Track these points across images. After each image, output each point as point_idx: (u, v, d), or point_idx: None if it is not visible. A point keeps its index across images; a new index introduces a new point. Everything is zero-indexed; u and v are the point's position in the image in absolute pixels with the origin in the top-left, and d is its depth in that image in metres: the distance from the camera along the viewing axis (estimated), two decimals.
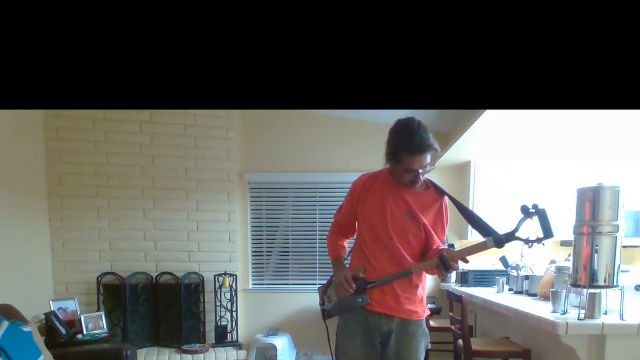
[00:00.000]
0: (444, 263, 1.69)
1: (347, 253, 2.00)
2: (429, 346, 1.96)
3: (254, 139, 4.44)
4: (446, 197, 1.86)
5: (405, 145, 1.69)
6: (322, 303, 1.97)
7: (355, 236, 1.98)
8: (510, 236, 1.66)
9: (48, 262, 3.98)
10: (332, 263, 1.98)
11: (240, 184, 4.42)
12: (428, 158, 1.71)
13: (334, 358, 1.97)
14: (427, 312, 1.93)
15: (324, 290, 1.97)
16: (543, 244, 1.64)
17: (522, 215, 1.65)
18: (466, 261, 1.76)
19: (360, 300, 1.82)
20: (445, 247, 1.83)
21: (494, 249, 1.71)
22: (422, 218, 1.79)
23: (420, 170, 1.72)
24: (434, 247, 1.81)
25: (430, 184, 1.86)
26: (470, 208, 3.99)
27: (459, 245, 4.38)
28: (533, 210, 1.63)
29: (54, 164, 3.94)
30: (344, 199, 1.99)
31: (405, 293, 1.82)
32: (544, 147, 3.73)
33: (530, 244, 1.66)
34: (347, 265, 1.96)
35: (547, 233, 1.61)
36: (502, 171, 4.01)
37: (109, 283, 4.06)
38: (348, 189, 1.96)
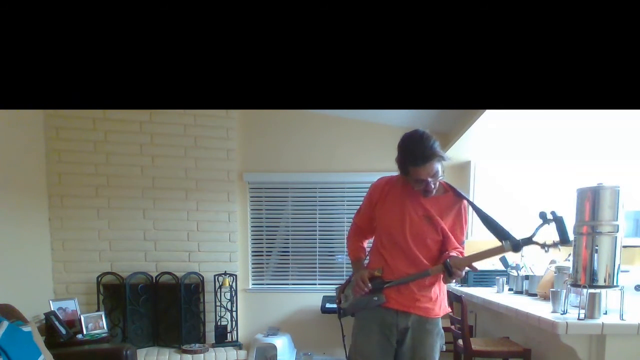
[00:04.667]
0: (447, 269, 1.73)
1: (367, 254, 2.04)
2: (444, 348, 1.96)
3: (254, 139, 4.43)
4: (465, 200, 1.90)
5: (409, 157, 1.73)
6: (338, 302, 2.01)
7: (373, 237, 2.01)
8: (528, 241, 1.70)
9: (48, 262, 3.98)
10: (351, 264, 2.02)
11: (240, 184, 4.42)
12: (436, 166, 1.73)
13: (350, 356, 1.97)
14: (447, 310, 1.96)
15: (341, 290, 2.01)
16: (559, 249, 1.69)
17: (540, 221, 1.69)
18: (474, 268, 1.80)
19: (376, 299, 1.84)
20: (454, 253, 1.83)
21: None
22: (440, 222, 1.83)
23: (430, 179, 1.74)
24: (450, 249, 1.84)
25: (449, 188, 1.90)
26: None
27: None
28: (551, 217, 1.67)
29: (54, 164, 3.94)
30: (362, 201, 2.02)
31: (422, 291, 1.85)
32: (544, 147, 3.73)
33: (546, 248, 1.70)
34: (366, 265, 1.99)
35: (564, 238, 1.66)
36: (502, 171, 4.00)
37: (109, 283, 4.06)
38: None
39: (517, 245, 1.70)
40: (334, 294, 2.12)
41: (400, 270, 1.83)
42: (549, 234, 1.69)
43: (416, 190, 1.81)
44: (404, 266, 1.83)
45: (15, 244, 3.45)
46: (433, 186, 1.77)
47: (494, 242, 1.78)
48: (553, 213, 1.68)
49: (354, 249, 2.02)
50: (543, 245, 1.70)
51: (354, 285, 1.89)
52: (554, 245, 1.68)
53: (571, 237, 1.68)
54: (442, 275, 1.80)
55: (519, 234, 1.75)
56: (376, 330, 1.87)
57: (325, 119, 4.40)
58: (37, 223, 3.84)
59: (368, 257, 1.99)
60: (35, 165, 3.82)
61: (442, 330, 1.93)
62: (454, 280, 1.80)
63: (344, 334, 2.01)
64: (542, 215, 1.69)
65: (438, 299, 1.91)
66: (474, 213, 1.90)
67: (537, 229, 1.70)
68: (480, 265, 4.05)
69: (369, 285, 1.83)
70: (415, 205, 1.83)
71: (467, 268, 1.80)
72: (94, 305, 3.96)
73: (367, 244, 2.07)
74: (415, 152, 1.72)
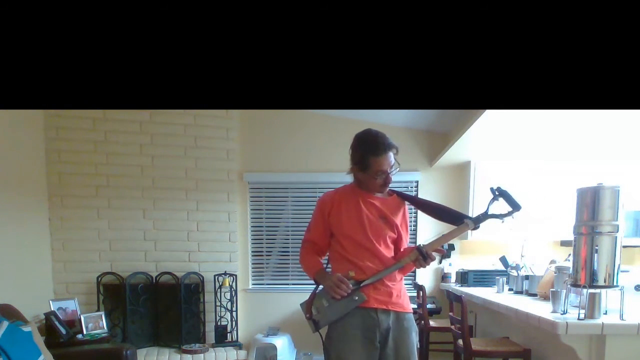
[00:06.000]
0: (422, 253, 1.83)
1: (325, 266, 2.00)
2: (418, 344, 2.01)
3: (254, 139, 4.44)
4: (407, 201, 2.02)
5: (371, 148, 1.83)
6: (309, 315, 1.92)
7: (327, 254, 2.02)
8: (485, 215, 1.87)
9: (48, 262, 3.98)
10: (315, 278, 1.94)
11: (240, 184, 4.42)
12: (392, 157, 1.85)
13: None
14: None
15: (309, 303, 1.93)
16: (513, 217, 1.85)
17: (492, 197, 1.89)
18: (441, 251, 1.92)
19: (357, 298, 1.82)
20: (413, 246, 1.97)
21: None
22: (394, 220, 1.92)
23: (389, 170, 1.84)
24: (402, 248, 1.96)
25: (392, 192, 2.00)
26: (470, 208, 4.01)
27: (459, 247, 4.39)
28: (498, 193, 1.88)
29: (54, 164, 3.94)
30: (311, 219, 2.01)
31: (395, 285, 1.90)
32: (544, 147, 3.74)
33: (502, 218, 1.86)
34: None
35: (515, 207, 1.84)
36: (502, 171, 4.01)
37: (109, 283, 4.06)
38: None
39: (477, 220, 1.86)
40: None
41: (371, 269, 1.86)
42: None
43: (373, 188, 1.90)
44: (372, 263, 1.87)
45: (15, 244, 3.45)
46: (386, 180, 1.87)
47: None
48: (498, 189, 1.88)
49: (313, 264, 1.97)
50: (499, 216, 1.86)
51: (329, 290, 1.84)
52: (508, 214, 1.84)
53: (521, 204, 1.83)
54: (416, 263, 1.87)
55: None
56: (359, 336, 1.84)
57: (325, 119, 4.40)
58: (37, 223, 3.85)
59: (330, 267, 1.97)
60: (35, 165, 3.82)
61: (416, 326, 1.98)
62: (427, 265, 1.89)
63: (324, 342, 1.93)
64: (492, 191, 1.89)
65: (406, 295, 1.97)
66: (423, 211, 2.06)
67: (489, 204, 1.88)
68: (480, 265, 4.08)
69: (350, 285, 1.81)
70: (369, 207, 1.90)
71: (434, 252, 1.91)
72: (94, 305, 3.96)
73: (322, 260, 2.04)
74: (376, 142, 1.83)
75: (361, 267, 1.86)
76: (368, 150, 1.83)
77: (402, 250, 1.97)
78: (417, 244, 1.92)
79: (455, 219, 1.93)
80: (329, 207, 1.94)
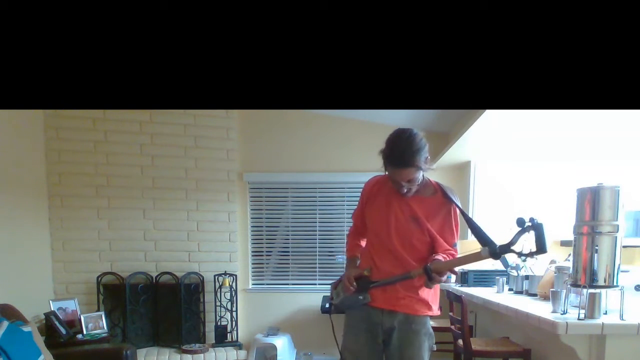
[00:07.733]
0: (427, 274, 1.70)
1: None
2: (434, 348, 1.94)
3: (254, 139, 4.44)
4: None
5: (389, 155, 1.71)
6: (331, 298, 2.04)
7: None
8: (506, 249, 1.63)
9: (48, 262, 3.98)
10: (346, 261, 2.07)
11: (240, 184, 4.42)
12: (412, 173, 1.71)
13: (340, 352, 2.01)
14: (436, 313, 1.92)
15: (334, 286, 2.04)
16: (536, 259, 1.64)
17: (519, 228, 1.61)
18: (455, 272, 1.83)
19: (361, 297, 1.87)
20: (440, 257, 1.79)
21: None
22: (426, 223, 1.81)
23: (404, 184, 1.74)
24: (440, 251, 1.81)
25: (438, 188, 1.87)
26: (470, 208, 4.01)
27: (459, 246, 4.38)
28: (530, 224, 1.60)
29: (54, 164, 3.94)
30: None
31: (409, 292, 1.85)
32: (544, 148, 3.73)
33: (523, 257, 1.73)
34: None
35: (541, 248, 1.59)
36: (502, 171, 4.00)
37: (109, 283, 4.06)
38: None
39: (494, 253, 1.64)
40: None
41: (386, 271, 1.84)
42: (528, 240, 1.63)
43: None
44: (391, 267, 1.83)
45: (15, 244, 3.45)
46: (406, 190, 1.76)
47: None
48: (532, 220, 1.59)
49: (351, 247, 2.06)
50: (520, 254, 1.65)
51: (342, 283, 1.94)
52: (530, 254, 1.62)
53: (548, 246, 1.58)
54: (424, 279, 1.75)
55: (505, 238, 1.68)
56: (363, 329, 1.90)
57: (325, 119, 4.40)
58: (37, 223, 3.85)
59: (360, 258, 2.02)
60: (35, 165, 3.82)
61: (431, 330, 1.92)
62: (434, 285, 1.76)
63: (334, 330, 2.05)
64: (521, 222, 1.61)
65: (426, 300, 1.88)
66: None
67: (516, 237, 1.62)
68: (480, 265, 4.08)
69: (354, 284, 1.86)
70: (402, 205, 1.83)
71: (448, 273, 1.78)
72: (94, 305, 3.96)
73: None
74: (394, 152, 1.70)
75: (378, 267, 1.86)
76: (387, 156, 1.72)
77: (430, 257, 1.80)
78: (434, 258, 1.77)
79: (481, 240, 1.71)
80: (366, 196, 1.93)
